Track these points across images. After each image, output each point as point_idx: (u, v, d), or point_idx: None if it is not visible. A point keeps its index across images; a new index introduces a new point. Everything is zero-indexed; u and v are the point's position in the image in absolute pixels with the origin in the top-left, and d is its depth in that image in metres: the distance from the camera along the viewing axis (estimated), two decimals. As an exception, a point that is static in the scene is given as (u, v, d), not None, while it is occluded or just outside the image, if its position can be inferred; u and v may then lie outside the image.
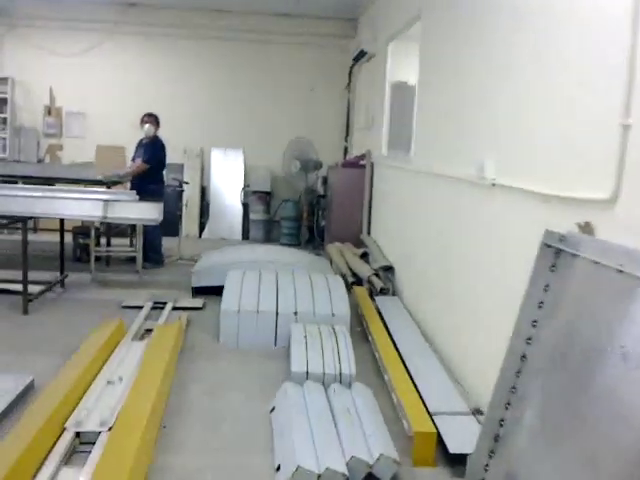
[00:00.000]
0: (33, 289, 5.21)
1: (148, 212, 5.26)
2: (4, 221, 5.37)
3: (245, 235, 9.53)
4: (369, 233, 7.59)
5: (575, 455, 2.17)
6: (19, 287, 5.36)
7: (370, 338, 4.44)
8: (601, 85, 2.45)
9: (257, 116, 9.51)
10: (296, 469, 2.61)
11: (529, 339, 2.62)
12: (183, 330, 4.53)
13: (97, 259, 6.60)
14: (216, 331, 4.86)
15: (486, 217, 3.63)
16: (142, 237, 6.51)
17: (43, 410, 2.98)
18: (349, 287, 5.87)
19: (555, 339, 2.51)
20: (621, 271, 2.10)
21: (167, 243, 7.50)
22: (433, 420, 3.11)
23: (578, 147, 2.62)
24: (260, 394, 3.74)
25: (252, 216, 9.37)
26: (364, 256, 7.01)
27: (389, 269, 6.24)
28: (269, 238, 9.40)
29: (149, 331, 4.70)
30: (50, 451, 2.77)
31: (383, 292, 5.81)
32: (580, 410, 2.18)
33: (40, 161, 8.98)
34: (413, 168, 5.51)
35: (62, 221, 5.90)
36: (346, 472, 2.67)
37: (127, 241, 7.73)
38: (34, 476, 2.59)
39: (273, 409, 3.44)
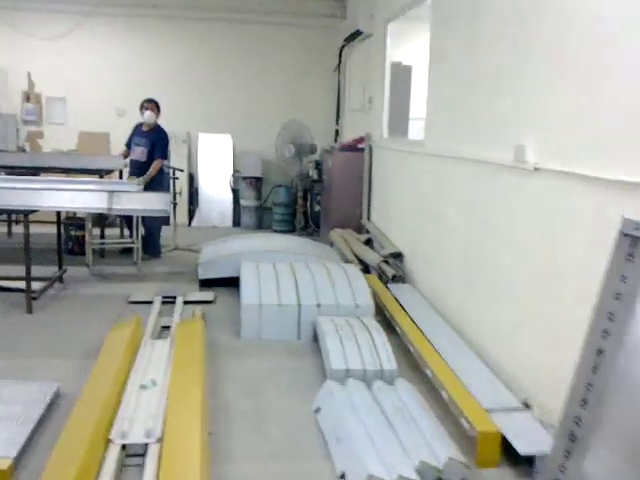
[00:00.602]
0: (34, 286, 4.95)
1: (155, 203, 5.02)
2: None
3: (236, 222, 9.31)
4: (369, 218, 7.46)
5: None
6: (18, 284, 5.13)
7: (399, 330, 4.32)
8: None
9: (245, 99, 9.24)
10: (368, 478, 2.48)
11: (605, 332, 2.53)
12: (204, 327, 4.33)
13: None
14: (234, 326, 4.70)
15: (527, 203, 3.52)
16: (140, 227, 6.28)
17: (85, 422, 2.79)
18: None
19: (634, 332, 2.43)
20: None
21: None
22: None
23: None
24: (298, 393, 3.60)
25: (243, 202, 9.15)
26: (368, 242, 6.89)
27: (397, 256, 6.13)
28: (261, 225, 9.21)
29: (165, 328, 4.52)
30: (101, 467, 2.59)
31: (394, 280, 5.71)
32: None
33: (21, 149, 8.57)
34: (426, 151, 5.38)
35: (59, 212, 5.62)
36: (417, 479, 2.56)
37: (117, 232, 7.48)
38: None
39: (318, 410, 3.31)
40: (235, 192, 9.31)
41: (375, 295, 5.07)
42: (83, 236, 6.76)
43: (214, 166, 9.25)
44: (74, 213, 6.77)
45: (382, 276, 5.85)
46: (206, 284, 5.69)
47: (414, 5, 5.82)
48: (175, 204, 7.32)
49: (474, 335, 4.12)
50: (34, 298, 4.82)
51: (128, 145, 6.94)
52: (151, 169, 6.59)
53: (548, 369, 3.17)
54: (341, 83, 9.12)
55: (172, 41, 8.95)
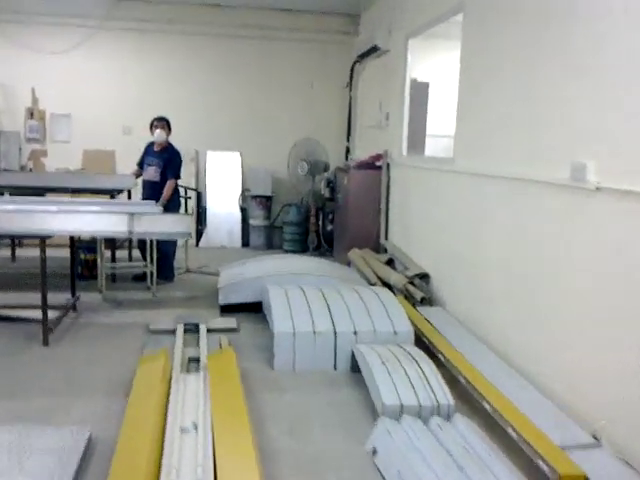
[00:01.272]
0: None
1: (177, 225, 4.77)
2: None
3: (245, 242, 9.07)
4: (387, 238, 7.24)
5: None
6: (31, 313, 4.85)
7: (442, 358, 4.08)
8: None
9: (253, 116, 9.04)
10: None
11: None
12: (236, 359, 4.07)
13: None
14: (263, 355, 4.46)
15: (584, 224, 3.31)
16: (153, 251, 6.02)
17: (129, 476, 2.52)
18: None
19: None
20: None
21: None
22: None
23: None
24: (346, 431, 3.34)
25: (252, 222, 8.90)
26: (389, 263, 6.66)
27: (423, 277, 5.90)
28: (271, 245, 8.96)
29: (193, 360, 4.25)
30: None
31: (422, 302, 5.48)
32: None
33: (23, 168, 8.30)
34: (456, 169, 5.17)
35: (72, 237, 5.35)
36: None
37: (126, 254, 7.22)
38: None
39: (374, 451, 3.05)
40: (244, 211, 9.08)
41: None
42: (93, 260, 6.51)
43: (222, 185, 9.03)
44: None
45: (408, 298, 5.62)
46: (226, 310, 5.44)
47: (441, 21, 5.64)
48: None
49: (521, 362, 3.89)
50: (51, 329, 4.53)
51: (140, 165, 6.70)
52: (165, 190, 6.35)
53: (616, 400, 2.95)
54: (352, 99, 8.94)
55: (181, 57, 8.74)
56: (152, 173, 6.51)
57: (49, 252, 4.49)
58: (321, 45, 8.99)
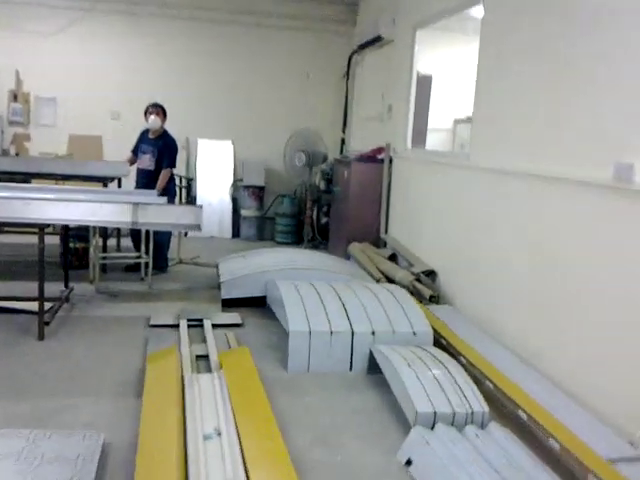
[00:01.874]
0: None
1: (186, 216, 4.51)
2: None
3: (235, 233, 8.82)
4: (386, 232, 7.08)
5: None
6: (24, 305, 4.58)
7: (464, 361, 3.91)
8: None
9: (248, 105, 8.79)
10: None
11: None
12: (250, 357, 3.85)
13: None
14: (273, 353, 4.27)
15: (627, 226, 3.17)
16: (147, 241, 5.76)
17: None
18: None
19: None
20: None
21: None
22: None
23: None
24: (375, 439, 3.16)
25: (243, 212, 8.66)
26: (392, 258, 6.50)
27: (430, 274, 5.75)
28: (262, 236, 8.73)
29: (201, 357, 4.03)
30: None
31: (431, 300, 5.32)
32: None
33: (5, 152, 7.91)
34: (472, 164, 5.02)
35: (67, 226, 5.07)
36: None
37: (114, 243, 6.94)
38: None
39: (410, 462, 2.88)
40: (235, 201, 8.83)
41: (422, 319, 4.67)
42: (84, 248, 6.22)
43: (213, 174, 8.75)
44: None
45: (415, 295, 5.45)
46: (227, 304, 5.21)
47: (456, 12, 5.46)
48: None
49: (544, 365, 3.75)
50: (47, 323, 4.25)
51: (135, 152, 6.40)
52: (160, 179, 6.09)
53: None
54: (350, 90, 8.73)
55: (173, 42, 8.44)
56: (147, 161, 6.23)
57: (34, 239, 4.18)
58: (318, 34, 8.76)
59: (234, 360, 3.71)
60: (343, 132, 8.86)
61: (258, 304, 5.22)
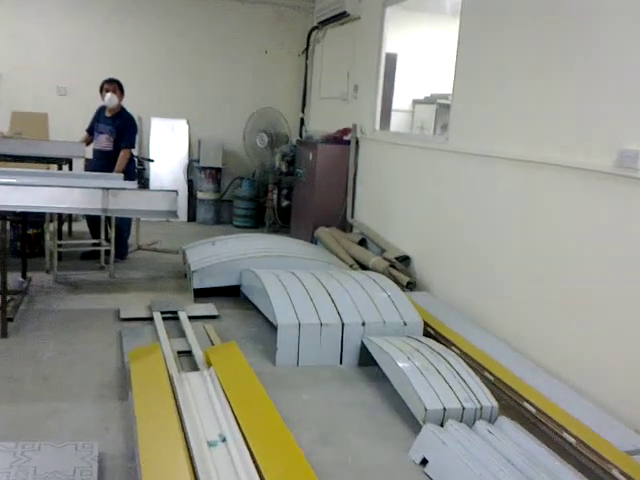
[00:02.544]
0: None
1: (160, 203, 4.21)
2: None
3: (191, 216, 8.50)
4: (352, 216, 6.94)
5: None
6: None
7: (457, 352, 3.83)
8: None
9: (204, 83, 8.41)
10: None
11: None
12: (240, 352, 3.64)
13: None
14: (257, 346, 4.10)
15: (628, 214, 3.14)
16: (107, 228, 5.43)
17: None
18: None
19: None
20: None
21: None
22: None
23: None
24: (382, 437, 3.04)
25: (200, 195, 8.35)
26: (361, 243, 6.37)
27: (404, 259, 5.67)
28: (219, 220, 8.46)
29: (183, 353, 3.80)
30: None
31: (409, 287, 5.24)
32: None
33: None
34: (450, 148, 4.92)
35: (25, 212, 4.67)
36: None
37: (65, 229, 6.54)
38: None
39: (424, 462, 2.77)
40: (190, 183, 8.49)
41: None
42: (36, 235, 5.81)
43: (167, 154, 8.37)
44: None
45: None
46: (197, 294, 4.97)
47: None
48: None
49: (537, 354, 3.73)
50: (10, 319, 3.91)
51: (90, 131, 5.99)
52: (119, 161, 5.71)
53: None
54: (309, 68, 8.49)
55: (124, 14, 7.94)
56: (104, 142, 5.84)
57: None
58: (276, 8, 8.45)
59: (223, 356, 3.50)
60: (302, 112, 8.62)
61: (230, 294, 5.02)
